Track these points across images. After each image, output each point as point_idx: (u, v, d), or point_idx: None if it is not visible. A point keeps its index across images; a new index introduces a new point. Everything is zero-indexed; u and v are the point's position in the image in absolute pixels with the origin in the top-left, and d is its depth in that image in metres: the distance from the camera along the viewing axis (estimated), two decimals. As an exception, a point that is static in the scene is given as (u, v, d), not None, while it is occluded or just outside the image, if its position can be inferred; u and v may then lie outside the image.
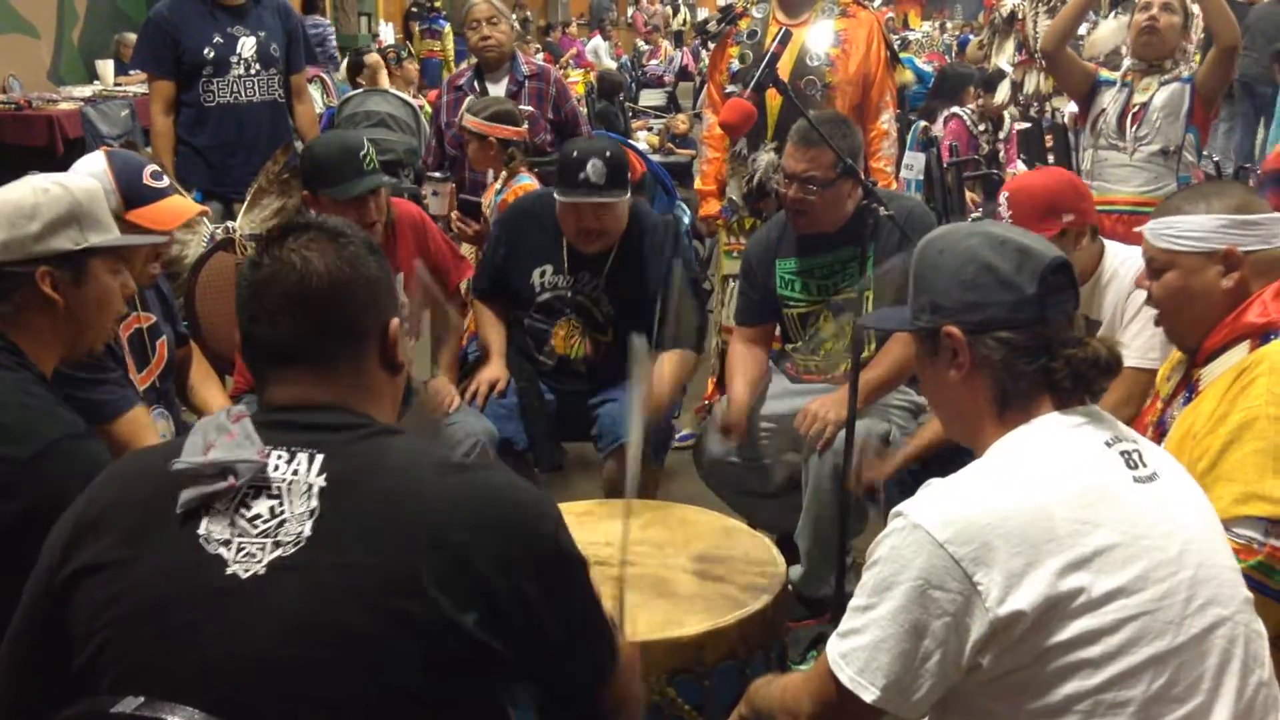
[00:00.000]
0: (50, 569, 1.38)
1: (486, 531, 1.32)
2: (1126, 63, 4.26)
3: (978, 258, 1.58)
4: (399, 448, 1.40)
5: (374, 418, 1.44)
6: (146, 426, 2.48)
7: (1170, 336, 2.21)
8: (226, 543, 1.31)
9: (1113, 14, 6.95)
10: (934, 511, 1.44)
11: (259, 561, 1.30)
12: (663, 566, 2.38)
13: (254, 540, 1.31)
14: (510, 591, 1.31)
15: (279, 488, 1.33)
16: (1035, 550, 1.40)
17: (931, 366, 1.64)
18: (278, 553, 1.30)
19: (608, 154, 3.16)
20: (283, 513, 1.32)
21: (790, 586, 2.61)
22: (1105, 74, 4.30)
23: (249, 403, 3.13)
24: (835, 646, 1.48)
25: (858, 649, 1.45)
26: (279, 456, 1.35)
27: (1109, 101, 4.15)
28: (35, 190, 1.94)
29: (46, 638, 1.37)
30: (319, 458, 1.35)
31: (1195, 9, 4.18)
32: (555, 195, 3.22)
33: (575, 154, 3.17)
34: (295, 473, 1.34)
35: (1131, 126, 4.07)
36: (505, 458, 3.22)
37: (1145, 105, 4.05)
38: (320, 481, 1.33)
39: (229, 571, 1.30)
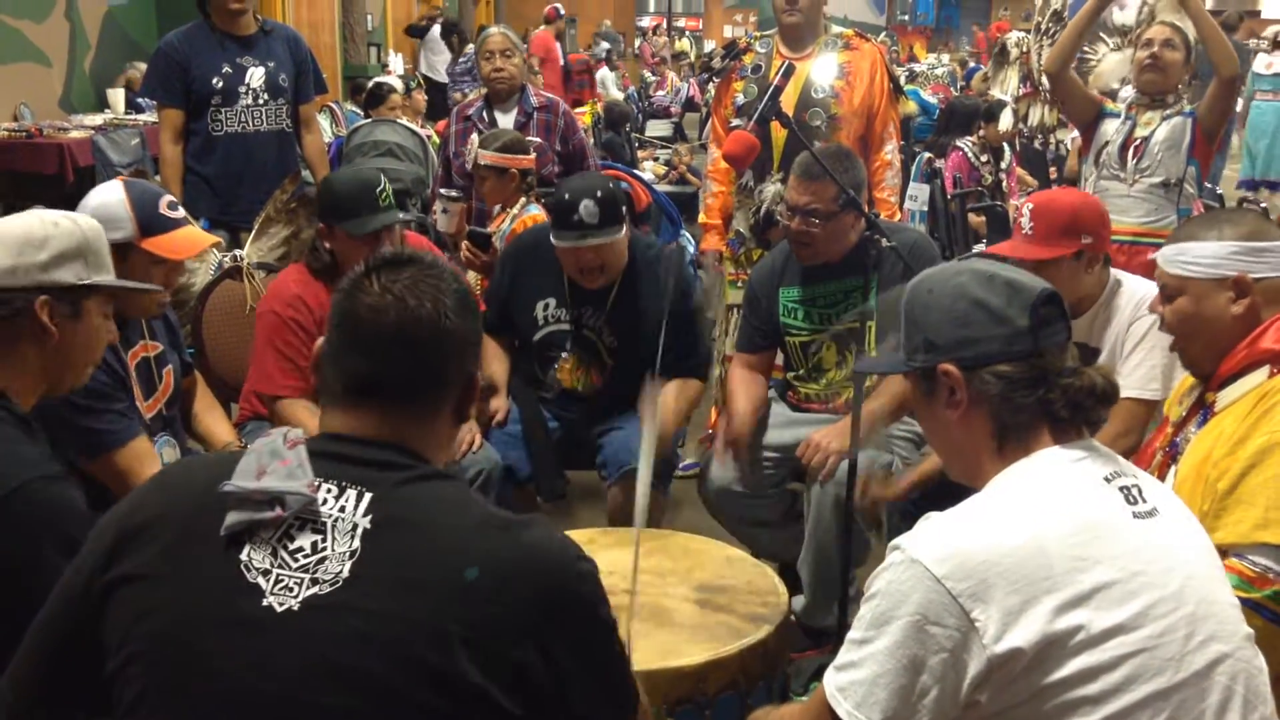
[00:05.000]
0: (94, 571, 1.38)
1: (524, 601, 1.31)
2: (1130, 94, 4.27)
3: (968, 294, 1.59)
4: (448, 496, 1.39)
5: (429, 460, 1.43)
6: (148, 457, 2.49)
7: (1184, 361, 2.22)
8: (266, 572, 1.31)
9: (1114, 44, 6.97)
10: (932, 546, 1.44)
11: (295, 596, 1.30)
12: (664, 595, 2.38)
13: (293, 574, 1.31)
14: (541, 662, 1.31)
15: (324, 523, 1.33)
16: (1033, 588, 1.40)
17: (929, 406, 1.64)
18: (314, 590, 1.30)
19: (599, 193, 3.15)
20: (325, 549, 1.32)
21: (793, 617, 2.61)
22: (1110, 106, 4.31)
23: (253, 431, 3.18)
24: (833, 679, 1.47)
25: (855, 683, 1.44)
26: (328, 490, 1.35)
27: (1112, 133, 4.17)
28: (45, 222, 1.97)
29: (78, 637, 1.38)
30: (367, 496, 1.35)
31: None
32: (552, 239, 3.22)
33: (567, 196, 3.17)
34: (342, 509, 1.34)
35: (1133, 159, 4.09)
36: (508, 486, 3.23)
37: (1147, 138, 4.07)
38: (365, 523, 1.33)
39: (265, 603, 1.30)
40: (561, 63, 13.04)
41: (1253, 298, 2.06)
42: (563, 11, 14.09)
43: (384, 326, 1.41)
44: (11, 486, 1.71)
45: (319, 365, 1.47)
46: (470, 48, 9.50)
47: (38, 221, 1.96)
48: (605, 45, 17.56)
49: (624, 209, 3.25)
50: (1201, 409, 2.12)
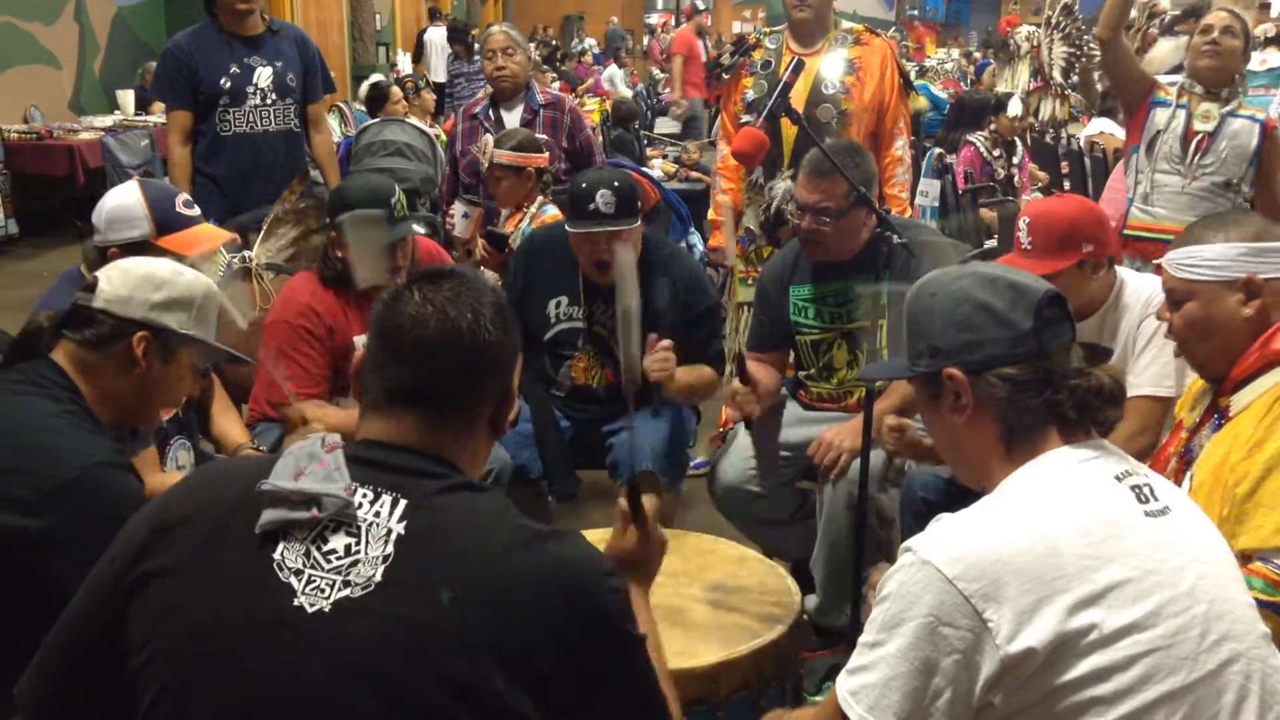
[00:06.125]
0: (123, 566, 1.39)
1: (553, 612, 1.32)
2: (1181, 81, 4.08)
3: (971, 297, 1.58)
4: (481, 507, 1.40)
5: (463, 471, 1.44)
6: (153, 465, 2.50)
7: (1193, 366, 2.19)
8: (298, 572, 1.32)
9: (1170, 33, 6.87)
10: (943, 547, 1.43)
11: (326, 598, 1.30)
12: (676, 596, 2.37)
13: (325, 575, 1.31)
14: (568, 675, 1.31)
15: (359, 527, 1.34)
16: (1045, 587, 1.39)
17: (935, 411, 1.64)
18: (345, 592, 1.30)
19: (616, 184, 3.19)
20: (358, 552, 1.32)
21: (805, 616, 2.60)
22: (1161, 93, 4.07)
23: (263, 431, 3.17)
24: (845, 683, 1.46)
25: (867, 686, 1.44)
26: (364, 495, 1.36)
27: (1164, 122, 3.98)
28: (172, 269, 2.12)
29: (103, 632, 1.38)
30: (402, 503, 1.36)
31: (1255, 31, 4.06)
32: (567, 227, 3.24)
33: (585, 185, 3.21)
34: (377, 514, 1.35)
35: (1194, 154, 3.93)
36: (519, 485, 3.22)
37: (1213, 134, 3.91)
38: (399, 529, 1.34)
39: (296, 603, 1.30)
40: (704, 59, 13.01)
41: (1263, 299, 2.04)
42: (701, 6, 13.95)
43: (425, 336, 1.43)
44: (81, 469, 1.79)
45: (359, 374, 1.49)
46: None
47: (165, 267, 2.13)
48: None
49: (639, 204, 3.26)
50: (1215, 413, 2.10)
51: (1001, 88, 8.38)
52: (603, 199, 3.15)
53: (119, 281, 2.04)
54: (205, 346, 2.15)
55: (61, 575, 1.55)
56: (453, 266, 1.53)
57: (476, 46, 9.68)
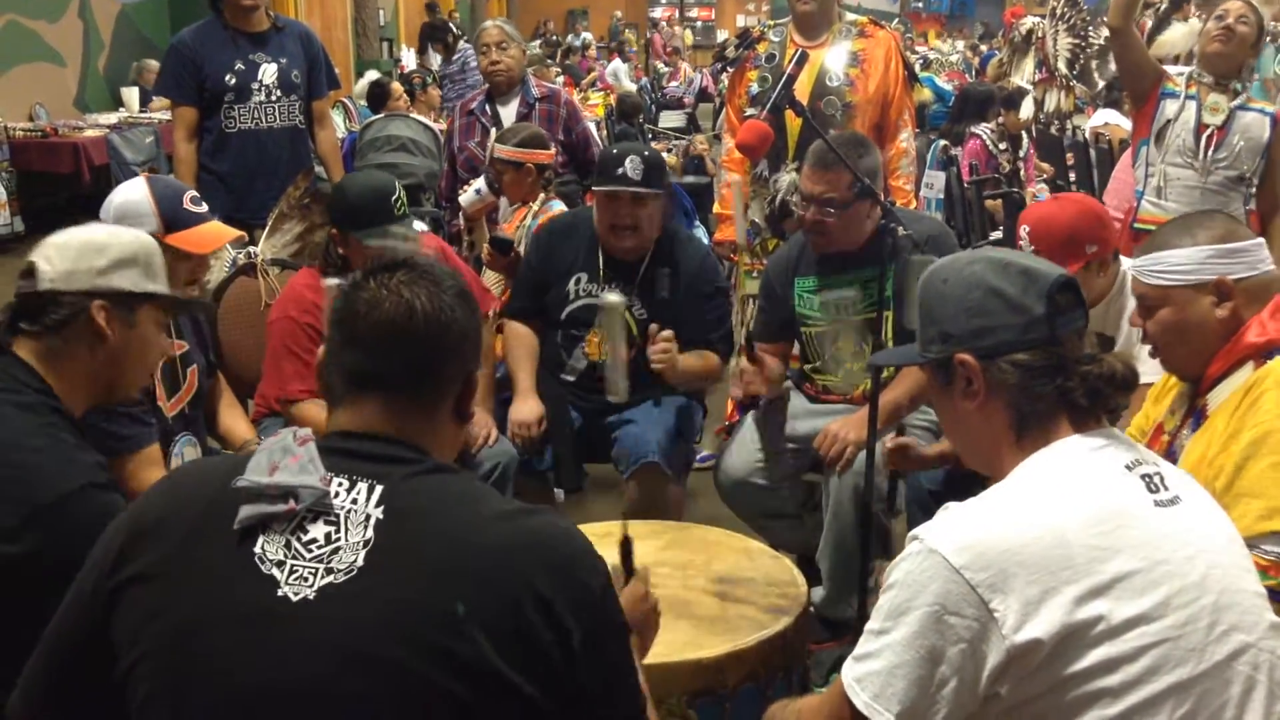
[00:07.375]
0: (103, 574, 1.39)
1: (535, 580, 1.32)
2: (1189, 70, 4.01)
3: (983, 283, 1.57)
4: (457, 487, 1.41)
5: (434, 456, 1.44)
6: (155, 463, 2.50)
7: (1170, 369, 2.19)
8: (280, 564, 1.32)
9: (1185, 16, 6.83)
10: (950, 536, 1.43)
11: (310, 586, 1.30)
12: (684, 588, 2.37)
13: (307, 564, 1.32)
14: (554, 641, 1.31)
15: (337, 515, 1.34)
16: (1053, 577, 1.39)
17: (946, 397, 1.63)
18: (329, 579, 1.31)
19: (646, 153, 3.30)
20: (338, 540, 1.33)
21: (812, 608, 2.60)
22: (1170, 84, 3.99)
23: (268, 427, 3.18)
24: (850, 670, 1.46)
25: (873, 673, 1.44)
26: (339, 484, 1.36)
27: (1175, 114, 3.91)
28: (107, 231, 2.04)
29: (89, 641, 1.38)
30: (378, 489, 1.36)
31: (1268, 17, 4.03)
32: (593, 188, 3.33)
33: (615, 151, 3.32)
34: (354, 501, 1.35)
35: (1208, 148, 3.87)
36: (525, 478, 3.22)
37: (1224, 128, 3.86)
38: (378, 513, 1.34)
39: (280, 593, 1.30)
40: None
41: (1235, 299, 2.03)
42: None
43: (380, 320, 1.43)
44: (68, 489, 1.75)
45: (322, 369, 1.49)
46: (462, 44, 9.48)
47: (100, 230, 2.04)
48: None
49: (664, 179, 3.37)
50: (1194, 413, 2.10)
51: (1017, 79, 8.34)
52: (631, 164, 3.23)
53: (58, 258, 1.95)
54: (164, 300, 2.07)
55: (50, 595, 1.53)
56: (409, 256, 1.52)
57: (463, 43, 9.67)
